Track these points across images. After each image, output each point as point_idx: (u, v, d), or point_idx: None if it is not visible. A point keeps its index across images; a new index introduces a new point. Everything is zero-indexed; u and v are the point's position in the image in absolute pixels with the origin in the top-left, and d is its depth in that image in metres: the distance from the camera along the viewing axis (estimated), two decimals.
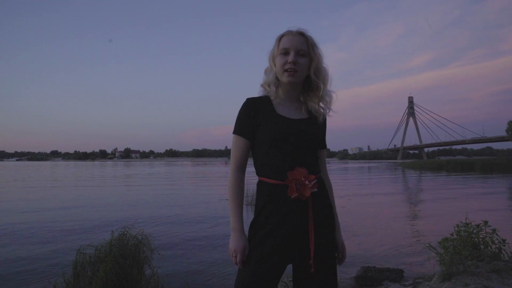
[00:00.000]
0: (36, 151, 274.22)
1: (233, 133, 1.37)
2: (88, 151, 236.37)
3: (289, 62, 1.31)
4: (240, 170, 1.38)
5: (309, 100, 1.42)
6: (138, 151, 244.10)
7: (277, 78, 1.38)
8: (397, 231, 6.23)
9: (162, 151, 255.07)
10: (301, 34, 1.36)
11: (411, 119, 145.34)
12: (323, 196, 1.34)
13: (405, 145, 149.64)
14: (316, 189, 1.26)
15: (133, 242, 3.06)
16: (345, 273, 3.99)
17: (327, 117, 1.46)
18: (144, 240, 3.13)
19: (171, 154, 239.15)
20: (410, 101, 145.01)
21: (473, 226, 2.96)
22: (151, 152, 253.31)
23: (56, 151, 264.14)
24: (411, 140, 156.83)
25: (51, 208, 9.29)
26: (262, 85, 1.42)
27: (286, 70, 1.33)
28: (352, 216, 7.82)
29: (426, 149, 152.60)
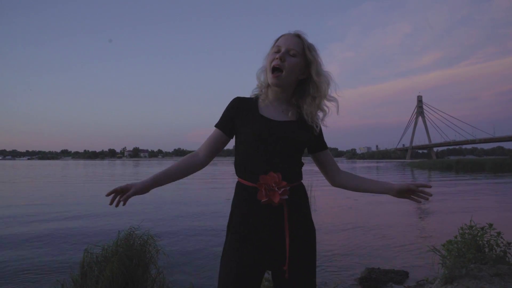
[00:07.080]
0: (47, 150, 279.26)
1: (214, 126, 1.41)
2: (97, 150, 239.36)
3: (277, 58, 1.30)
4: (196, 153, 1.39)
5: (303, 104, 1.37)
6: (146, 150, 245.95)
7: None
8: (402, 232, 6.20)
9: (171, 150, 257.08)
10: (297, 36, 1.36)
11: (420, 118, 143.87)
12: (300, 204, 1.33)
13: (414, 144, 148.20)
14: (286, 197, 1.23)
15: (139, 242, 3.11)
16: (349, 274, 4.00)
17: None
18: (149, 240, 3.18)
19: (180, 153, 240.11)
20: (419, 100, 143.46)
21: (478, 229, 2.94)
22: (160, 151, 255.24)
23: (66, 150, 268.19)
24: (420, 139, 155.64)
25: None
26: (257, 85, 1.43)
27: (272, 70, 1.31)
28: (358, 216, 7.80)
29: (435, 149, 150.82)
